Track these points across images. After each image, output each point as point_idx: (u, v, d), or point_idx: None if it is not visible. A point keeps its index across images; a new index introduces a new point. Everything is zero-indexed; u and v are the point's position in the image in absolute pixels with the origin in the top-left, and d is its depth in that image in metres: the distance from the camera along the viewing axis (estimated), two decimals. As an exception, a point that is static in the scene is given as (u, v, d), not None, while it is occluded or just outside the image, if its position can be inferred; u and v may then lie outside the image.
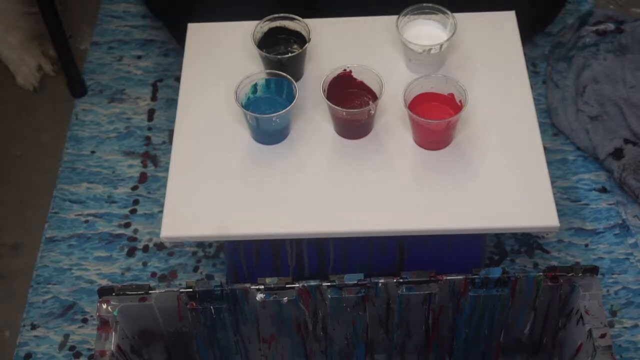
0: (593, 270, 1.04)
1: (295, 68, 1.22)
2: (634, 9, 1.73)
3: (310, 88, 1.23)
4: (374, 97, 1.17)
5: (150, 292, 1.05)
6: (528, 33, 1.56)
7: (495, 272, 1.04)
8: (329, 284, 1.05)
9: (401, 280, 1.05)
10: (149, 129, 1.58)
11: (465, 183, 1.13)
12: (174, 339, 1.12)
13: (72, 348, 1.32)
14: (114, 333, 1.03)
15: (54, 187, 1.51)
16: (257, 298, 1.05)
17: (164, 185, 1.20)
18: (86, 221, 1.46)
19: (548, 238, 1.40)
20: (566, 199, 1.45)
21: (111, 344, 1.02)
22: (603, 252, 1.39)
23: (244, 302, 1.06)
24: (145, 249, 1.42)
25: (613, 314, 1.32)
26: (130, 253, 1.42)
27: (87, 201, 1.49)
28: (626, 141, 1.46)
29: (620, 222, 1.42)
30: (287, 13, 1.23)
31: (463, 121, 1.17)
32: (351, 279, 1.05)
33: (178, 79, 1.44)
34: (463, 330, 1.12)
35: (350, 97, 1.18)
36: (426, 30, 1.22)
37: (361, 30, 1.30)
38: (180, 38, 1.50)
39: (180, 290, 1.05)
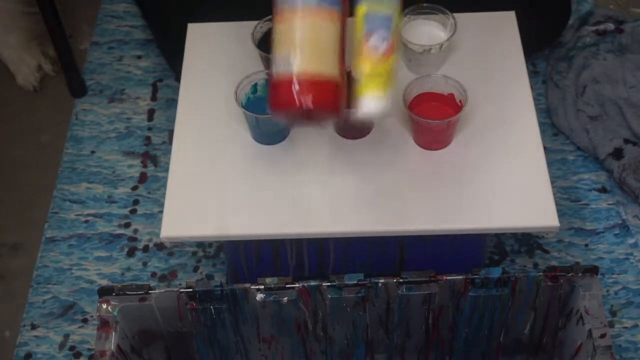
0: (593, 270, 1.04)
1: (295, 68, 1.22)
2: (634, 9, 1.73)
3: (310, 88, 1.22)
4: (374, 97, 1.17)
5: (150, 292, 1.05)
6: (535, 49, 1.56)
7: (495, 272, 1.04)
8: (329, 284, 1.05)
9: (401, 280, 1.05)
10: (149, 129, 1.58)
11: (465, 183, 1.13)
12: (174, 339, 1.12)
13: (72, 348, 1.32)
14: (114, 333, 1.03)
15: (54, 187, 1.51)
16: (257, 298, 1.05)
17: (164, 185, 1.20)
18: (86, 221, 1.46)
19: (548, 238, 1.40)
20: (566, 199, 1.45)
21: (111, 344, 1.02)
22: (603, 252, 1.39)
23: (244, 302, 1.06)
24: (145, 249, 1.42)
25: (613, 314, 1.32)
26: (130, 253, 1.42)
27: (87, 201, 1.49)
28: (626, 141, 1.46)
29: (620, 222, 1.42)
30: (287, 13, 1.23)
31: (463, 121, 1.17)
32: (351, 279, 1.05)
33: (178, 79, 1.45)
34: (463, 330, 1.12)
35: (350, 97, 1.18)
36: (426, 30, 1.22)
37: (361, 30, 1.30)
38: (174, 63, 1.52)
39: (180, 290, 1.05)
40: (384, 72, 0.97)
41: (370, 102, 0.97)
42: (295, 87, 0.92)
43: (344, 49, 0.96)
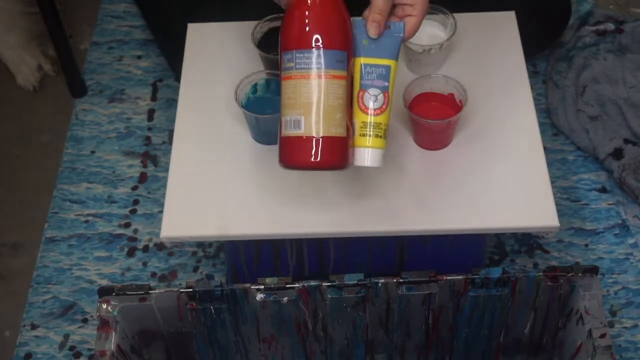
0: (593, 270, 1.04)
1: (295, 68, 1.22)
2: (634, 9, 1.73)
3: (310, 88, 1.22)
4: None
5: (150, 292, 1.05)
6: (535, 49, 1.56)
7: (495, 272, 1.04)
8: (329, 284, 1.05)
9: (401, 280, 1.05)
10: (149, 129, 1.58)
11: (465, 183, 1.13)
12: (174, 339, 1.12)
13: (72, 348, 1.32)
14: (114, 333, 1.03)
15: (54, 187, 1.51)
16: (257, 298, 1.05)
17: (164, 185, 1.20)
18: (86, 221, 1.46)
19: (548, 238, 1.40)
20: (566, 199, 1.45)
21: (111, 344, 1.02)
22: (603, 252, 1.39)
23: (244, 302, 1.06)
24: (145, 249, 1.42)
25: (613, 314, 1.32)
26: (130, 253, 1.42)
27: (87, 201, 1.49)
28: (626, 141, 1.46)
29: (620, 222, 1.42)
30: (287, 13, 1.23)
31: (463, 121, 1.17)
32: (351, 279, 1.05)
33: (178, 79, 1.45)
34: (463, 330, 1.12)
35: (350, 97, 1.18)
36: (426, 30, 1.22)
37: (361, 30, 1.30)
38: (174, 62, 1.52)
39: (180, 290, 1.05)
40: (379, 125, 1.00)
41: (365, 154, 1.00)
42: (304, 147, 0.96)
43: (350, 102, 1.00)
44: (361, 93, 1.00)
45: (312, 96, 0.95)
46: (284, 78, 0.98)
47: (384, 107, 1.00)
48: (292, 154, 0.97)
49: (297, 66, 0.96)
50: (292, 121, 0.96)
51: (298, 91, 0.96)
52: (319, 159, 0.96)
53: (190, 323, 1.09)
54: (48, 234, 1.45)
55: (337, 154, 0.97)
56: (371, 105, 0.99)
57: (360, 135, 1.00)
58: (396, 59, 1.01)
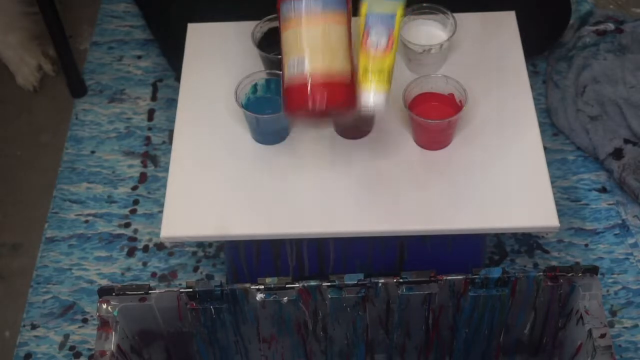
0: (593, 270, 1.04)
1: (295, 68, 1.22)
2: (634, 9, 1.73)
3: (310, 88, 1.22)
4: (374, 97, 1.17)
5: (150, 292, 1.05)
6: (535, 50, 1.56)
7: (495, 272, 1.04)
8: (329, 284, 1.05)
9: (401, 280, 1.05)
10: (149, 129, 1.58)
11: (465, 183, 1.14)
12: (174, 339, 1.12)
13: (72, 348, 1.32)
14: (114, 333, 1.03)
15: (54, 187, 1.51)
16: (257, 298, 1.05)
17: (164, 185, 1.20)
18: (86, 221, 1.46)
19: (548, 238, 1.40)
20: (566, 199, 1.45)
21: (111, 344, 1.02)
22: (603, 252, 1.39)
23: (244, 302, 1.06)
24: (145, 249, 1.42)
25: (613, 314, 1.32)
26: (130, 253, 1.42)
27: (87, 201, 1.49)
28: (626, 141, 1.46)
29: (620, 222, 1.42)
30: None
31: (463, 121, 1.17)
32: (351, 279, 1.05)
33: (178, 79, 1.45)
34: (463, 330, 1.12)
35: (350, 97, 1.18)
36: (426, 30, 1.22)
37: (361, 30, 1.30)
38: (173, 61, 1.52)
39: (180, 290, 1.05)
40: (383, 68, 0.99)
41: (369, 96, 0.99)
42: (309, 88, 0.95)
43: (352, 47, 0.98)
44: (365, 36, 0.98)
45: (312, 37, 0.95)
46: (284, 29, 0.97)
47: (388, 50, 0.98)
48: (298, 99, 0.96)
49: (296, 12, 0.95)
50: (296, 63, 0.95)
51: (299, 36, 0.95)
52: (324, 100, 0.95)
53: (190, 323, 1.09)
54: (48, 234, 1.45)
55: (342, 95, 0.96)
56: (375, 47, 0.98)
57: (363, 77, 0.99)
58: (402, 1, 0.99)
